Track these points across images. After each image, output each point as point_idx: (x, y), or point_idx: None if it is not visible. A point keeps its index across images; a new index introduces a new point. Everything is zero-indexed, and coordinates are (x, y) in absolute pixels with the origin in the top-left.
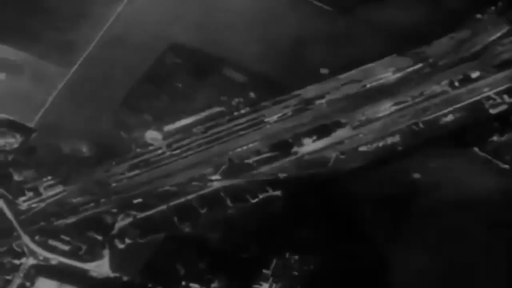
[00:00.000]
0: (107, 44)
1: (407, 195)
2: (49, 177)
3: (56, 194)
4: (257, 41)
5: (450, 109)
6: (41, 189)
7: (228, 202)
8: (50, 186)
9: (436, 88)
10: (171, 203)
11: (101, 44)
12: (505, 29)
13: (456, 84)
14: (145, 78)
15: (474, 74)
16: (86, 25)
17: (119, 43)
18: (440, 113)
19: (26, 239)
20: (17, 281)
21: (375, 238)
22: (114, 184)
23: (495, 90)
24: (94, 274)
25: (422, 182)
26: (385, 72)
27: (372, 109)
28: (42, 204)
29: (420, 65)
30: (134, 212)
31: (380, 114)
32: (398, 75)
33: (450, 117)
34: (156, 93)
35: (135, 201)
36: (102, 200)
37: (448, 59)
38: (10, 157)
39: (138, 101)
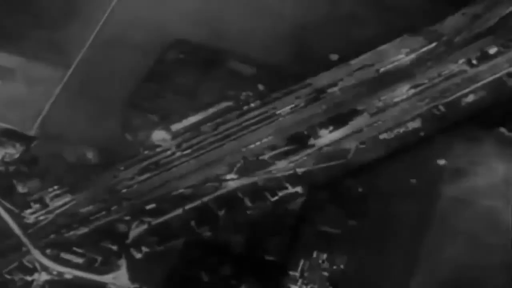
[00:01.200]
0: (103, 43)
1: (433, 183)
2: (55, 187)
3: (64, 204)
4: (261, 30)
5: (471, 88)
6: (48, 200)
7: (247, 202)
8: (57, 196)
9: (454, 68)
10: (187, 207)
11: (97, 43)
12: None
13: (474, 62)
14: (148, 76)
15: (492, 50)
16: (79, 24)
17: (116, 41)
18: (460, 93)
19: (36, 253)
20: None
21: (403, 232)
22: (124, 190)
23: None
24: (112, 287)
25: (448, 169)
26: (398, 54)
27: (389, 94)
28: (50, 216)
29: (434, 44)
30: (148, 219)
31: (398, 99)
32: (412, 56)
33: (471, 98)
34: (160, 91)
35: (148, 207)
36: (113, 207)
37: (463, 36)
38: (11, 168)
39: (142, 101)
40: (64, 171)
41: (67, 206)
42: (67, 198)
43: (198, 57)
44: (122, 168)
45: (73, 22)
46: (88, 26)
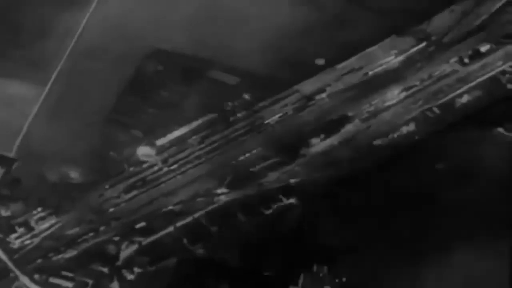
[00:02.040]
0: (79, 57)
1: (432, 188)
2: (39, 209)
3: (50, 227)
4: (244, 38)
5: (464, 88)
6: (33, 223)
7: (240, 216)
8: (42, 218)
9: (445, 68)
10: (178, 224)
11: (73, 58)
12: None
13: (466, 60)
14: (128, 90)
15: (484, 48)
16: (54, 39)
17: (92, 54)
18: (454, 94)
19: (24, 279)
20: None
21: (404, 239)
22: (111, 209)
23: (510, 63)
24: None
25: (447, 172)
26: (387, 56)
27: (380, 98)
28: (36, 240)
29: (423, 44)
30: (138, 238)
31: (389, 103)
32: (401, 57)
33: (465, 98)
34: (141, 105)
35: (138, 226)
36: (101, 228)
37: (452, 34)
38: None
39: (123, 116)
40: (47, 192)
41: (53, 229)
42: (52, 220)
43: (179, 68)
44: (107, 186)
45: (48, 37)
46: (63, 40)
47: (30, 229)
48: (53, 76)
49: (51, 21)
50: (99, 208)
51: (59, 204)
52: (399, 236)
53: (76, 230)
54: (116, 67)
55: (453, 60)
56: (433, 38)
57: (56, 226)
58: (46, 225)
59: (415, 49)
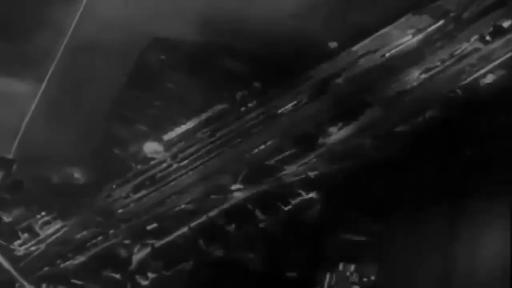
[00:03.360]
0: (76, 51)
1: (462, 175)
2: (43, 213)
3: (56, 232)
4: (251, 22)
5: (488, 68)
6: (37, 228)
7: (258, 213)
8: (47, 223)
9: (466, 46)
10: (192, 224)
11: (69, 52)
12: None
13: (488, 38)
14: (130, 83)
15: (506, 23)
16: (47, 33)
17: (89, 47)
18: (478, 74)
19: None
20: None
21: (436, 230)
22: (120, 211)
23: None
24: None
25: (476, 158)
26: (404, 36)
27: (399, 81)
28: (42, 246)
29: (441, 21)
30: (151, 241)
31: (410, 86)
32: (419, 37)
33: (490, 78)
34: (145, 98)
35: (150, 227)
36: (111, 231)
37: (472, 10)
38: None
39: (127, 111)
40: (51, 195)
41: (59, 234)
42: (58, 224)
43: (183, 57)
44: (114, 186)
45: (41, 32)
46: (58, 34)
47: (34, 234)
48: (49, 72)
49: (43, 15)
50: (106, 209)
51: (64, 207)
52: (429, 229)
53: (83, 234)
54: (115, 59)
55: (474, 38)
56: (452, 14)
57: (62, 231)
58: (51, 230)
59: (433, 27)
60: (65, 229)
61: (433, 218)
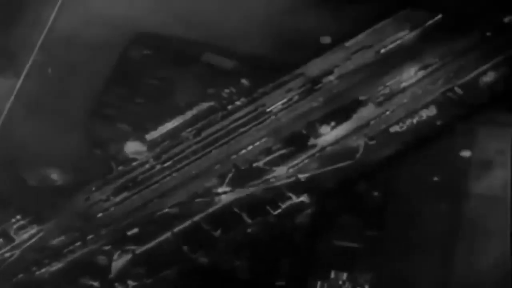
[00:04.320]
0: (55, 44)
1: (459, 179)
2: (18, 217)
3: (32, 237)
4: (239, 15)
5: (488, 65)
6: (12, 233)
7: (246, 218)
8: (22, 228)
9: (466, 42)
10: (176, 229)
11: (48, 45)
12: None
13: (488, 34)
14: (112, 79)
15: (507, 18)
16: (24, 25)
17: (69, 40)
18: (478, 71)
19: None
20: None
21: (431, 237)
22: (99, 215)
23: None
24: None
25: (474, 161)
26: (400, 31)
27: (395, 78)
28: (17, 252)
29: (439, 16)
30: (132, 247)
31: (406, 84)
32: (417, 32)
33: (490, 75)
34: (128, 95)
35: (130, 233)
36: (90, 236)
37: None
38: None
39: (108, 109)
40: (26, 198)
41: (35, 239)
42: (33, 229)
43: (167, 52)
44: (93, 189)
45: (18, 23)
46: (36, 26)
47: (9, 240)
48: (27, 67)
49: (19, 7)
50: (85, 213)
51: (40, 211)
52: (427, 234)
53: (61, 239)
54: (96, 55)
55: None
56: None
57: (38, 236)
58: (27, 235)
59: (430, 22)
60: (41, 234)
61: (431, 223)
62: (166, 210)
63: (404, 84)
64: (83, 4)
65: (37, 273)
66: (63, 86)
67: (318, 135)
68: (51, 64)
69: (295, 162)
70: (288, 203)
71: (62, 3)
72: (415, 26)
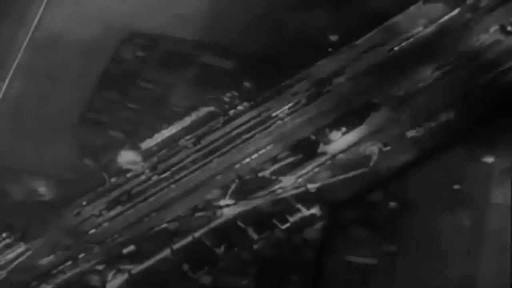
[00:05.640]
0: (41, 47)
1: (481, 187)
2: (3, 235)
3: (19, 256)
4: (239, 12)
5: (511, 63)
6: None
7: (251, 233)
8: (8, 246)
9: (485, 38)
10: (175, 246)
11: (34, 47)
12: None
13: (509, 28)
14: (103, 82)
15: None
16: (8, 26)
17: (56, 42)
18: (499, 70)
19: None
20: None
21: (452, 251)
22: (91, 231)
23: None
24: None
25: (498, 167)
26: (414, 27)
27: (410, 79)
28: (3, 273)
29: (456, 10)
30: (127, 266)
31: (422, 84)
32: (432, 28)
33: None
34: (120, 100)
35: (126, 250)
36: (81, 255)
37: None
38: None
39: (99, 115)
40: (12, 214)
41: (21, 259)
42: (20, 248)
43: (162, 53)
44: (84, 203)
45: (1, 25)
46: (20, 26)
47: None
48: (11, 71)
49: (4, 5)
50: (76, 230)
51: (27, 228)
52: (447, 248)
53: (50, 259)
54: (86, 56)
55: (493, 28)
56: (468, 2)
57: (26, 255)
58: (13, 254)
59: (447, 17)
60: (29, 253)
61: (451, 235)
62: (164, 225)
63: (420, 85)
64: (71, 3)
65: None
66: (49, 89)
67: (328, 142)
68: (37, 67)
69: (304, 171)
70: (297, 216)
71: (48, 1)
72: (430, 22)
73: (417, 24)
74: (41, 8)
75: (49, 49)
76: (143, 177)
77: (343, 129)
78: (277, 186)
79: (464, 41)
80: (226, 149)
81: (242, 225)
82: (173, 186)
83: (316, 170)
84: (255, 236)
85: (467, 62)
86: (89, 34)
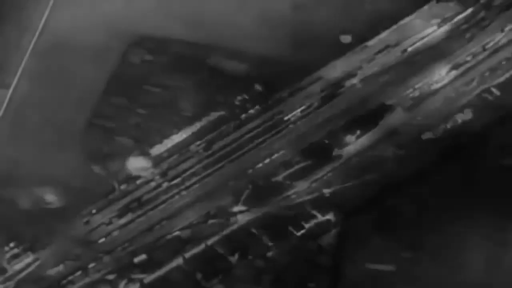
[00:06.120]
0: (46, 51)
1: (503, 191)
2: (11, 245)
3: (27, 267)
4: (249, 13)
5: None
6: (4, 263)
7: (265, 240)
8: (15, 256)
9: (501, 37)
10: (188, 254)
11: (39, 52)
12: None
13: None
14: (110, 87)
15: None
16: (12, 31)
17: (62, 46)
18: None
19: None
20: None
21: (475, 258)
22: (101, 240)
23: None
24: None
25: None
26: (428, 27)
27: (424, 79)
28: (11, 284)
29: (470, 9)
30: (139, 275)
31: (437, 85)
32: (446, 27)
33: None
34: (128, 105)
35: (137, 259)
36: (91, 265)
37: None
38: None
39: (107, 121)
40: (19, 223)
41: (30, 269)
42: (29, 258)
43: (171, 57)
44: (94, 211)
45: (5, 29)
46: (25, 31)
47: (2, 271)
48: (16, 77)
49: (7, 9)
50: (85, 239)
51: (35, 237)
52: (469, 254)
53: (59, 269)
54: (93, 61)
55: (508, 27)
56: (482, 1)
57: (34, 265)
58: (21, 264)
59: (461, 16)
60: (37, 263)
61: (473, 241)
62: (176, 233)
63: (435, 86)
64: (77, 4)
65: None
66: (56, 96)
67: (342, 145)
68: (42, 73)
69: (318, 175)
70: (312, 222)
71: (53, 5)
72: (444, 21)
73: (431, 23)
74: (46, 13)
75: (55, 54)
76: (153, 184)
77: (357, 132)
78: (290, 192)
79: (479, 39)
80: (237, 154)
81: (255, 232)
82: (184, 192)
83: (330, 174)
84: (269, 243)
85: (483, 61)
86: (95, 39)
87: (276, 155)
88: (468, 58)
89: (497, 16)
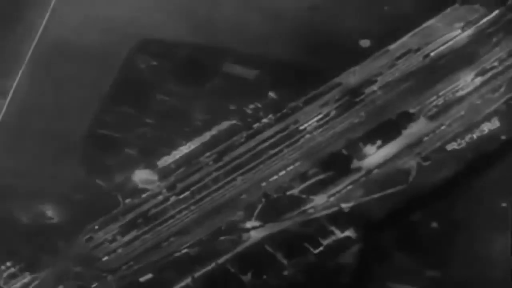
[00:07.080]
0: (46, 57)
1: None
2: (8, 264)
3: (25, 287)
4: (262, 16)
5: None
6: (1, 283)
7: (280, 258)
8: (13, 276)
9: None
10: (197, 274)
11: (39, 59)
12: None
13: None
14: (114, 96)
15: None
16: (11, 37)
17: (62, 52)
18: None
19: None
20: None
21: (505, 277)
22: (105, 258)
23: None
24: None
25: None
26: (451, 31)
27: (448, 86)
28: None
29: (496, 12)
30: None
31: (462, 92)
32: (470, 31)
33: None
34: (134, 114)
35: (143, 279)
36: (93, 285)
37: None
38: None
39: (111, 131)
40: (18, 240)
41: None
42: (26, 278)
43: (179, 62)
44: (96, 227)
45: (4, 36)
46: (24, 38)
47: None
48: (14, 84)
49: (9, 12)
50: (88, 257)
51: (34, 255)
52: (497, 272)
53: None
54: (96, 66)
55: None
56: (509, 2)
57: (32, 286)
58: (18, 284)
59: (486, 19)
60: (36, 283)
61: (501, 258)
62: (185, 250)
63: (460, 93)
64: (79, 6)
65: None
66: (57, 104)
67: (362, 157)
68: (43, 78)
69: (337, 189)
70: (330, 239)
71: (53, 9)
72: (468, 24)
73: (454, 27)
74: (47, 16)
75: (55, 59)
76: (160, 198)
77: (378, 142)
78: (307, 206)
79: (505, 44)
80: (250, 166)
81: (270, 249)
82: (193, 207)
83: (349, 187)
84: (285, 261)
85: (510, 67)
86: (98, 42)
87: (291, 167)
88: (495, 64)
89: None
